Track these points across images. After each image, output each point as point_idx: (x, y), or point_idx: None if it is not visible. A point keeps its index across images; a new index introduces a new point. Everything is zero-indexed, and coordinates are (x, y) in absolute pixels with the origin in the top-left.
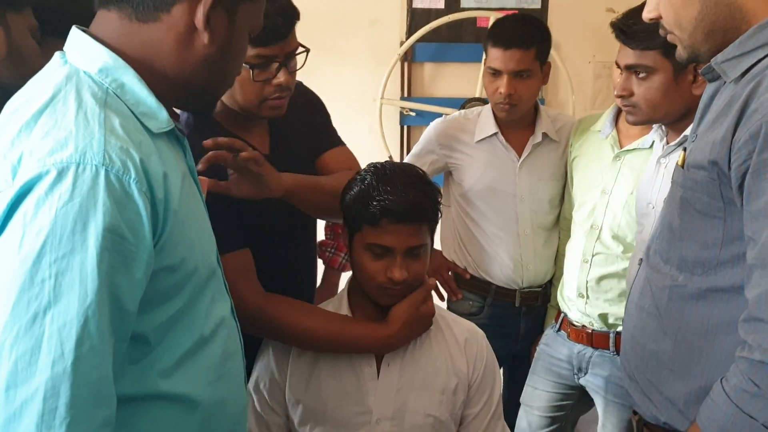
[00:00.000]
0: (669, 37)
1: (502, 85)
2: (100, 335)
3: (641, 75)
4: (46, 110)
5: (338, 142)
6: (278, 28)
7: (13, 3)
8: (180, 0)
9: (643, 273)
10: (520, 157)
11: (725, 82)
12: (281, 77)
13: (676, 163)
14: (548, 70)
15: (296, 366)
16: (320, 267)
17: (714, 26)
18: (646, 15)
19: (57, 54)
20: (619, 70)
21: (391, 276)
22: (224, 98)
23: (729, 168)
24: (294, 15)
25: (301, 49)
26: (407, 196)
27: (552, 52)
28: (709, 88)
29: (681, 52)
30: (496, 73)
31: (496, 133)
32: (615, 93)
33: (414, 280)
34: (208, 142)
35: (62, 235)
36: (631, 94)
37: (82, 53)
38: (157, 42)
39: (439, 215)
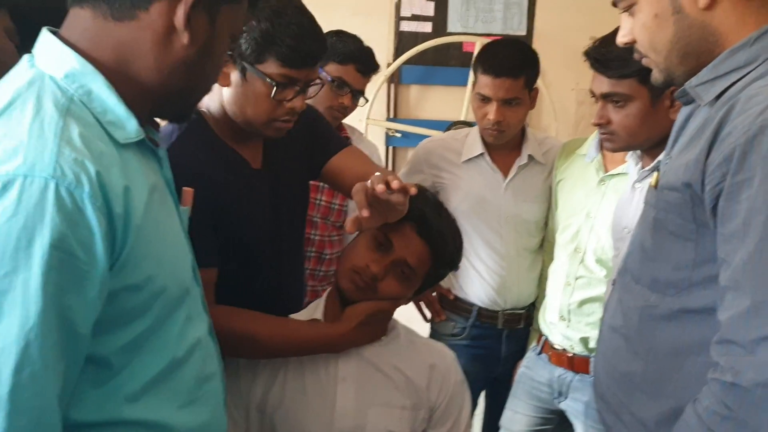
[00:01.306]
0: (644, 61)
1: (491, 111)
2: (43, 360)
3: (618, 103)
4: (1, 118)
5: (345, 143)
6: (312, 54)
7: None
8: None
9: (615, 294)
10: (506, 178)
11: (699, 105)
12: (296, 102)
13: (650, 184)
14: (536, 95)
15: (262, 376)
16: None
17: (688, 49)
18: (620, 39)
19: (25, 57)
20: (594, 98)
21: (369, 264)
22: (228, 109)
23: (702, 190)
24: (326, 47)
25: (318, 80)
26: (443, 223)
27: None
28: (684, 111)
29: (657, 76)
30: (485, 99)
31: (482, 154)
32: (593, 121)
33: (384, 292)
34: (381, 187)
35: (4, 253)
36: (609, 122)
37: (50, 57)
38: (133, 42)
39: (446, 274)
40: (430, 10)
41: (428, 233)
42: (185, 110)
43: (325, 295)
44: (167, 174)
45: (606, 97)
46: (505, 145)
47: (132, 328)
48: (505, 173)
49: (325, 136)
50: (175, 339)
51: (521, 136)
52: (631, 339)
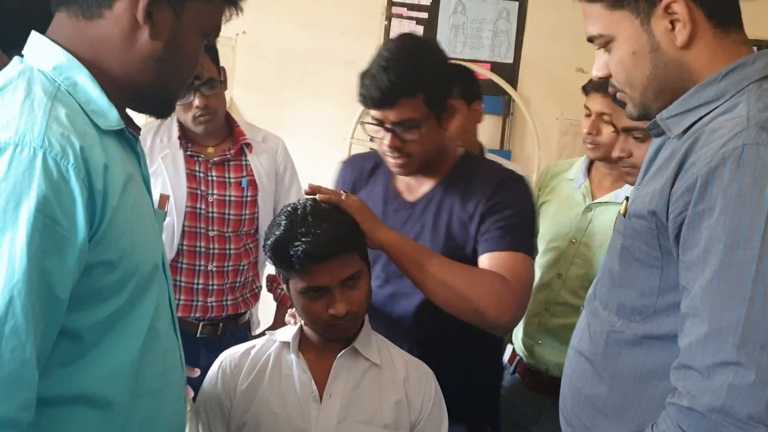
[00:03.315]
0: (619, 95)
1: (386, 138)
2: (25, 316)
3: (639, 138)
4: None
5: (516, 247)
6: (368, 97)
7: None
8: None
9: (584, 318)
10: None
11: (669, 137)
12: (386, 141)
13: (619, 212)
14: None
15: (243, 393)
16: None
17: (664, 86)
18: (595, 74)
19: (15, 58)
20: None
21: (334, 313)
22: None
23: (667, 218)
24: (391, 94)
25: (411, 119)
26: (324, 233)
27: (521, 105)
28: (655, 142)
29: (632, 110)
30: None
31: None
32: (614, 154)
33: (358, 309)
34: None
35: None
36: (630, 155)
37: (39, 53)
38: (103, 39)
39: (364, 238)
40: (419, 33)
41: (325, 254)
42: (163, 106)
43: (297, 325)
44: (145, 171)
45: (627, 131)
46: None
47: (107, 305)
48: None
49: (493, 230)
50: (144, 325)
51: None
52: (596, 363)
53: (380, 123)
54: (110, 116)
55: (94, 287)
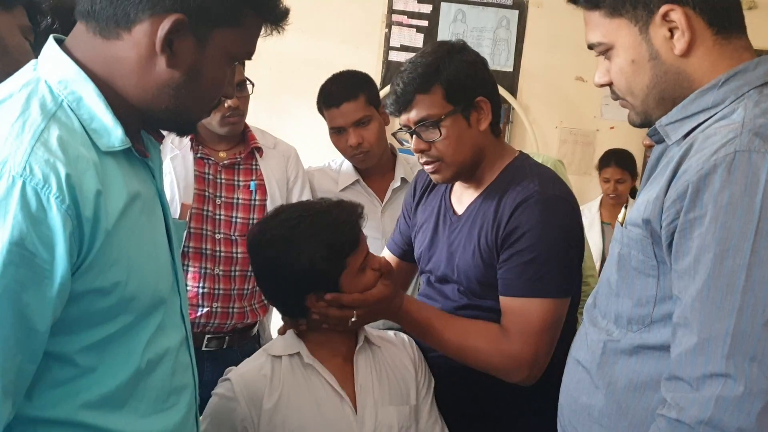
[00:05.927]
0: (620, 103)
1: (349, 138)
2: None
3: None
4: None
5: (531, 291)
6: (389, 106)
7: (2, 2)
8: (140, 20)
9: (583, 327)
10: (382, 202)
11: (669, 144)
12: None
13: (617, 221)
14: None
15: (269, 412)
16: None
17: (664, 94)
18: (598, 80)
19: (32, 61)
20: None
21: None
22: None
23: (660, 227)
24: (404, 94)
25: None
26: (342, 214)
27: (521, 114)
28: (656, 149)
29: (634, 118)
30: (340, 131)
31: (357, 180)
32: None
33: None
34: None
35: None
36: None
37: (49, 63)
38: (118, 61)
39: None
40: (419, 41)
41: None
42: (183, 127)
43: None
44: (160, 185)
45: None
46: (378, 170)
47: (98, 330)
48: (381, 197)
49: (508, 267)
50: (143, 347)
51: (394, 160)
52: (592, 372)
53: (408, 129)
54: (113, 135)
55: (85, 312)
